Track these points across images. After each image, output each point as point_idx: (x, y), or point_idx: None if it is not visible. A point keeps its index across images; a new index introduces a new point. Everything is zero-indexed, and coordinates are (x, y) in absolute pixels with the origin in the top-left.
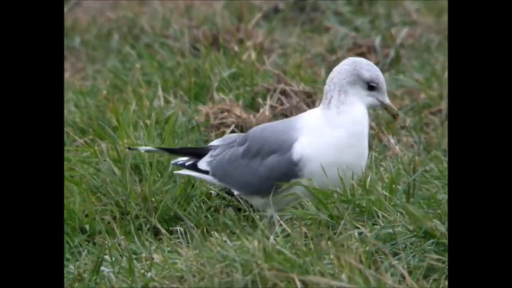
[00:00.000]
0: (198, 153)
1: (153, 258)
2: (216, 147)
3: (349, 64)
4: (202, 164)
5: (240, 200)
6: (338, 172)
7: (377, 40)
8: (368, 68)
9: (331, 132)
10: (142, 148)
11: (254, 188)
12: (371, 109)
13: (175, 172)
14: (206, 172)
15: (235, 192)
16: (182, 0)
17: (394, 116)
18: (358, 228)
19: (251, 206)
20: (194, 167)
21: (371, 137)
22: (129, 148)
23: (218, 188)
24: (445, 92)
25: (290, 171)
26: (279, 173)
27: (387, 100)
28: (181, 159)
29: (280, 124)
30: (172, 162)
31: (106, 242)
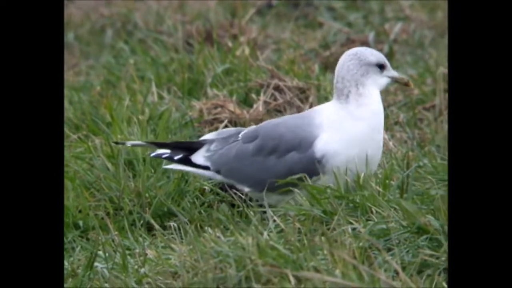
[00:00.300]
0: (188, 147)
1: (146, 254)
2: (211, 141)
3: (354, 58)
4: (199, 158)
5: (234, 196)
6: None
7: (371, 36)
8: (370, 52)
9: (353, 126)
10: (130, 143)
11: (270, 186)
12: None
13: (165, 166)
14: (204, 167)
15: (246, 189)
16: None
17: (407, 84)
18: (351, 223)
19: (245, 201)
20: (185, 161)
21: None
22: (116, 143)
23: (212, 183)
24: (439, 88)
25: (312, 168)
26: (299, 171)
27: (395, 74)
28: (165, 152)
29: (294, 119)
30: (152, 154)
31: (99, 237)
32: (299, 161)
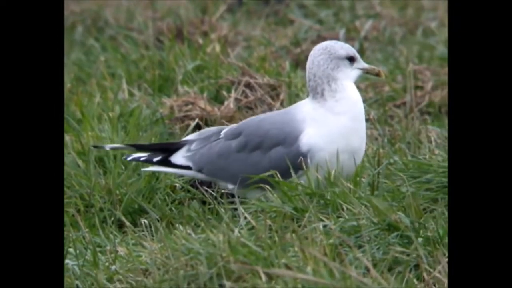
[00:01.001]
0: (167, 148)
1: (117, 251)
2: (191, 141)
3: (323, 53)
4: (178, 158)
5: (205, 193)
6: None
7: (341, 33)
8: (339, 46)
9: (335, 120)
10: (109, 146)
11: (255, 181)
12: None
13: (144, 169)
14: (185, 167)
15: (230, 187)
16: None
17: (378, 74)
18: (322, 220)
19: (216, 199)
20: (165, 163)
21: None
22: (95, 147)
23: (183, 181)
24: (409, 85)
25: (297, 162)
26: (285, 165)
27: (366, 65)
28: (142, 155)
29: (277, 116)
30: (128, 158)
31: (70, 235)
32: (285, 156)
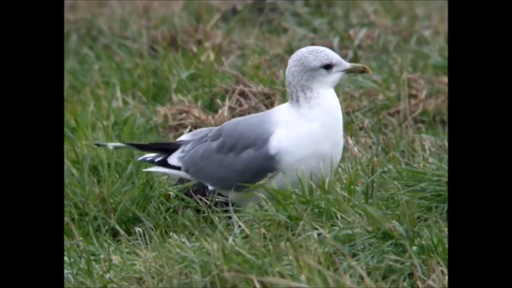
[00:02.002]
0: (168, 149)
1: (111, 260)
2: (187, 142)
3: (297, 64)
4: (173, 159)
5: (199, 201)
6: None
7: (335, 41)
8: (313, 56)
9: (306, 125)
10: (111, 144)
11: (229, 183)
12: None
13: (146, 170)
14: (178, 168)
15: (210, 188)
16: (140, 1)
17: (364, 70)
18: (317, 229)
19: (210, 207)
20: (164, 163)
21: None
22: (97, 145)
23: (177, 189)
24: (403, 93)
25: (267, 164)
26: (255, 167)
27: (347, 65)
28: (149, 156)
29: (254, 118)
30: (139, 158)
31: (64, 243)
32: (255, 158)
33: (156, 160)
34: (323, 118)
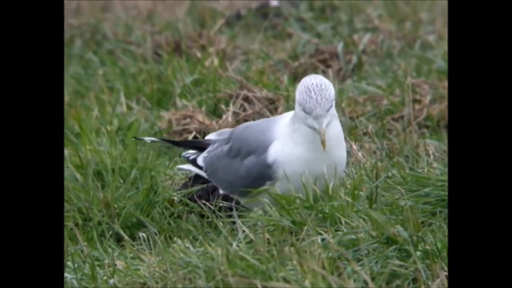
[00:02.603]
0: (199, 147)
1: (115, 265)
2: (214, 141)
3: (298, 86)
4: (200, 159)
5: (203, 206)
6: (303, 179)
7: (340, 46)
8: (301, 89)
9: (295, 146)
10: (148, 138)
11: (235, 188)
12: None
13: (178, 166)
14: (201, 168)
15: (220, 191)
16: (144, 6)
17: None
18: (321, 234)
19: (214, 212)
20: (194, 162)
21: None
22: (135, 138)
23: (181, 194)
24: (408, 98)
25: (265, 173)
26: (255, 174)
27: (315, 125)
28: (189, 152)
29: (260, 124)
30: (183, 154)
31: (68, 248)
32: (255, 165)
33: (191, 158)
34: (304, 145)
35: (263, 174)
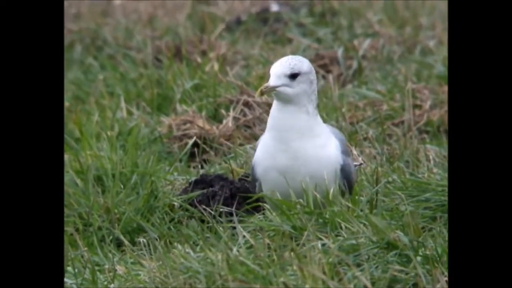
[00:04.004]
0: None
1: (116, 270)
2: None
3: None
4: None
5: (203, 212)
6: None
7: (340, 52)
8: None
9: (264, 136)
10: None
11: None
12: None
13: None
14: None
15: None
16: (145, 11)
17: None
18: (321, 239)
19: (215, 217)
20: None
21: None
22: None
23: (181, 199)
24: (408, 103)
25: (252, 172)
26: (251, 174)
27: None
28: None
29: None
30: None
31: (69, 253)
32: (251, 165)
33: None
34: (270, 131)
35: (252, 173)
